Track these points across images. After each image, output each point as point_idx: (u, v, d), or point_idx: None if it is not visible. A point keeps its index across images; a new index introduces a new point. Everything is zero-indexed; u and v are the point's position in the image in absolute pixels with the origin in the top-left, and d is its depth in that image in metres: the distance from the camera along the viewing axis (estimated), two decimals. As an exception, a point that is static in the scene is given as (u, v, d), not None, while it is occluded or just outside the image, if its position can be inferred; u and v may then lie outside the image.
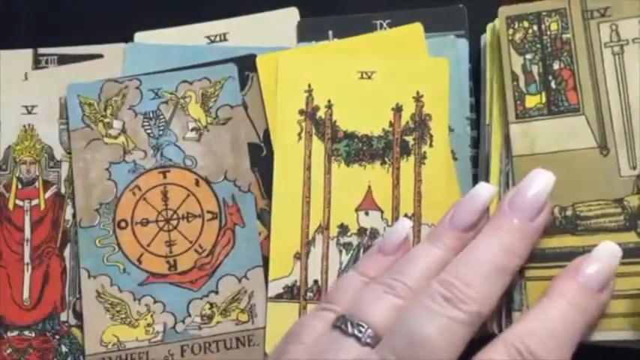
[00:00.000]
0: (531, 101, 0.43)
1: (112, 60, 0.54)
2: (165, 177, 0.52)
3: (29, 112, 0.54)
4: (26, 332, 0.51)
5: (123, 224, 0.52)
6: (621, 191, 0.41)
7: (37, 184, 0.53)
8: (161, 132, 0.53)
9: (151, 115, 0.53)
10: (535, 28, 0.44)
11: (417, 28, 0.51)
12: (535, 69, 0.43)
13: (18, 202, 0.53)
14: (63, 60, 0.55)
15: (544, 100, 0.43)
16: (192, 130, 0.53)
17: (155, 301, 0.51)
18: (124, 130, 0.53)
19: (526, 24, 0.44)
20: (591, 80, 0.42)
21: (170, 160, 0.52)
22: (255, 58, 0.53)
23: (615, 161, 0.41)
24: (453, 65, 0.50)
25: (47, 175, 0.53)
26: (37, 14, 0.56)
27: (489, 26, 0.47)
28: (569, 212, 0.41)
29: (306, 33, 0.53)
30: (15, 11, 0.56)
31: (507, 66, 0.44)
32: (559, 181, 0.40)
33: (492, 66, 0.46)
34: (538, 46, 0.44)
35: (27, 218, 0.53)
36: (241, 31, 0.54)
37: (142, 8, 0.56)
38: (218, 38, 0.54)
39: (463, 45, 0.50)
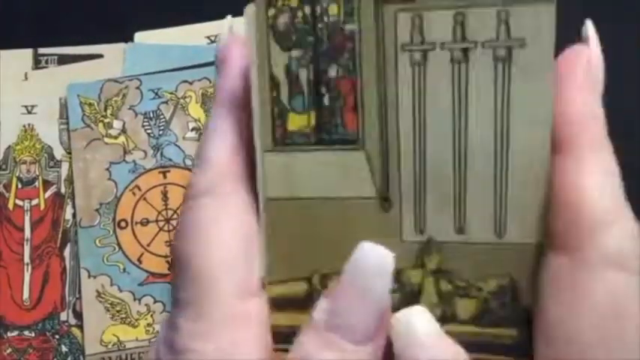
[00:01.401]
0: (296, 122, 0.29)
1: (112, 60, 0.54)
2: (165, 177, 0.52)
3: (29, 112, 0.54)
4: (26, 332, 0.51)
5: (123, 224, 0.52)
6: (402, 261, 0.28)
7: (37, 183, 0.53)
8: (161, 132, 0.53)
9: (151, 115, 0.53)
10: (307, 10, 0.28)
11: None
12: (304, 74, 0.29)
13: (18, 201, 0.53)
14: (63, 60, 0.55)
15: (313, 121, 0.29)
16: (192, 130, 0.53)
17: (155, 301, 0.51)
18: (124, 130, 0.53)
19: (294, 2, 0.29)
20: (378, 99, 0.28)
21: (170, 160, 0.52)
22: (255, 59, 0.53)
23: (398, 220, 0.29)
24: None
25: (47, 174, 0.53)
26: (37, 14, 0.56)
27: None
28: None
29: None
30: (15, 11, 0.56)
31: (264, 66, 0.29)
32: (327, 239, 0.29)
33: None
34: (310, 38, 0.29)
35: (27, 218, 0.53)
36: (241, 31, 0.54)
37: (142, 8, 0.55)
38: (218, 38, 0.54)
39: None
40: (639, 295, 0.25)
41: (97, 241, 0.52)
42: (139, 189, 0.52)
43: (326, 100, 0.29)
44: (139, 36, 0.54)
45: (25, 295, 0.52)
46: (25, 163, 0.53)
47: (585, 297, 0.25)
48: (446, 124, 0.28)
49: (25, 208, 0.53)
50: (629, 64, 0.54)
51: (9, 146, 0.54)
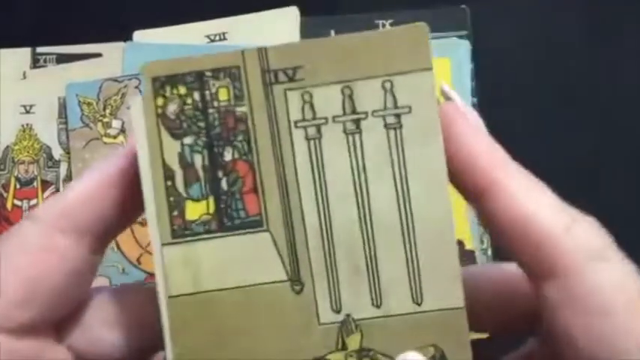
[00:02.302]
0: (194, 211, 0.28)
1: (111, 59, 0.54)
2: (164, 177, 0.52)
3: (27, 112, 0.54)
4: (25, 333, 0.51)
5: (122, 224, 0.52)
6: (321, 346, 0.28)
7: (35, 183, 0.53)
8: (160, 131, 0.53)
9: (151, 115, 0.53)
10: (197, 96, 0.28)
11: (418, 28, 0.51)
12: (198, 160, 0.28)
13: (16, 202, 0.53)
14: (61, 59, 0.54)
15: (212, 208, 0.28)
16: (191, 129, 0.53)
17: (154, 302, 0.51)
18: (123, 130, 0.53)
19: (183, 90, 0.28)
20: (277, 178, 0.28)
21: (169, 159, 0.52)
22: (255, 58, 0.52)
23: (312, 301, 0.28)
24: (455, 66, 0.50)
25: (46, 174, 0.53)
26: (35, 13, 0.56)
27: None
28: None
29: (308, 32, 0.53)
30: (13, 10, 0.56)
31: (157, 156, 0.28)
32: (239, 331, 0.28)
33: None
34: (201, 124, 0.28)
35: (25, 218, 0.52)
36: (241, 30, 0.54)
37: (140, 7, 0.55)
38: (217, 37, 0.54)
39: (465, 46, 0.50)
40: (622, 285, 0.25)
41: (96, 242, 0.51)
42: (138, 189, 0.52)
43: (224, 185, 0.28)
44: (138, 35, 0.54)
45: (24, 295, 0.51)
46: (23, 163, 0.53)
47: (587, 297, 0.25)
48: (348, 196, 0.28)
49: (24, 209, 0.53)
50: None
51: (7, 146, 0.53)
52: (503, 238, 0.26)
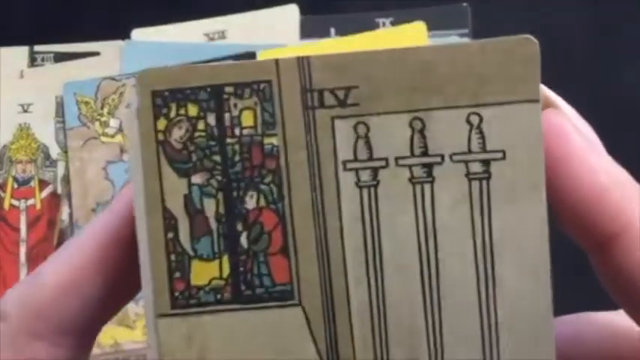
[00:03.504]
0: (203, 273, 0.21)
1: (108, 58, 0.54)
2: (162, 176, 0.52)
3: (25, 111, 0.53)
4: (22, 334, 0.51)
5: (120, 224, 0.51)
6: None
7: (32, 183, 0.53)
8: (159, 131, 0.52)
9: (149, 114, 0.53)
10: (212, 120, 0.21)
11: (419, 27, 0.51)
12: (210, 206, 0.21)
13: (13, 201, 0.52)
14: (59, 58, 0.54)
15: (226, 271, 0.21)
16: (190, 128, 0.52)
17: (153, 303, 0.50)
18: (121, 129, 0.52)
19: (194, 110, 0.21)
20: (316, 236, 0.21)
21: (168, 159, 0.52)
22: (254, 56, 0.52)
23: None
24: (456, 64, 0.50)
25: (43, 174, 0.53)
26: (32, 11, 0.56)
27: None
28: None
29: (308, 30, 0.53)
30: (10, 8, 0.56)
31: (155, 198, 0.21)
32: None
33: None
34: (217, 158, 0.21)
35: (23, 218, 0.52)
36: (240, 29, 0.54)
37: (139, 5, 0.55)
38: (216, 35, 0.54)
39: (466, 44, 0.50)
40: None
41: (94, 242, 0.51)
42: (137, 189, 0.52)
43: (244, 241, 0.21)
44: (136, 33, 0.54)
45: (21, 296, 0.51)
46: (20, 162, 0.53)
47: None
48: (410, 268, 0.21)
49: (21, 208, 0.52)
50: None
51: (4, 145, 0.53)
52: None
